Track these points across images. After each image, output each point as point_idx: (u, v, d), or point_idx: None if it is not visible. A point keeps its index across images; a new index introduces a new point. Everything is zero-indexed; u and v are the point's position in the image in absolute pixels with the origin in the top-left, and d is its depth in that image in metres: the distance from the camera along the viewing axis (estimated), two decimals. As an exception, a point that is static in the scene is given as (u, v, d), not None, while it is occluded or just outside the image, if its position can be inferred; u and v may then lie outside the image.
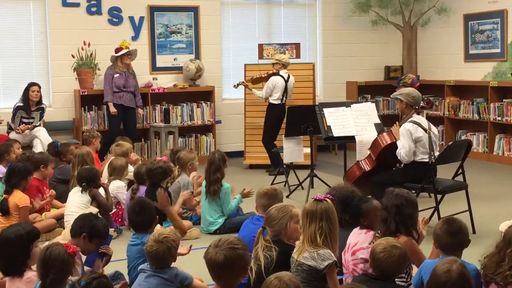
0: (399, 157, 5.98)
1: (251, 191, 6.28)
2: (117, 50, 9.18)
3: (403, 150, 5.91)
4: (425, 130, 5.95)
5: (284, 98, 8.95)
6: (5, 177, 6.09)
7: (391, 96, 7.32)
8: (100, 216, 4.71)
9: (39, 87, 8.77)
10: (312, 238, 3.62)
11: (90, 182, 6.02)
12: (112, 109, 9.08)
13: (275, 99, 8.90)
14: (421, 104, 6.24)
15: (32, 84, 8.71)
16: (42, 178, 6.45)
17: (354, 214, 4.17)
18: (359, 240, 3.97)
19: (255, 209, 4.85)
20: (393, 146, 6.07)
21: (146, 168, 6.18)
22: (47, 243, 4.20)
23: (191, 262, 4.29)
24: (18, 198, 5.83)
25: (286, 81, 8.91)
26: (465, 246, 3.66)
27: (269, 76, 8.92)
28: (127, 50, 9.17)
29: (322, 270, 3.56)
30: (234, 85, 9.33)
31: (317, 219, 3.63)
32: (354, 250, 3.94)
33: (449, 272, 3.01)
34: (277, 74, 8.90)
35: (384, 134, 6.29)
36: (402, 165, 6.26)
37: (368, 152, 6.40)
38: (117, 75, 9.12)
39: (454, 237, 3.61)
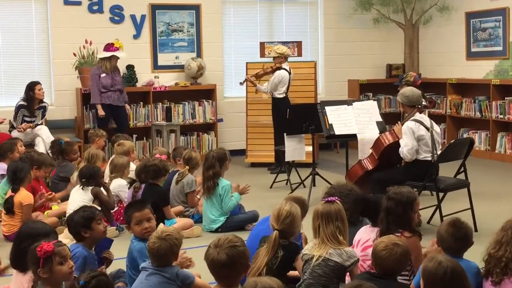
0: (401, 155, 5.98)
1: (247, 187, 6.29)
2: (112, 48, 9.12)
3: (406, 148, 5.90)
4: (427, 128, 5.95)
5: (287, 91, 8.95)
6: (10, 176, 6.10)
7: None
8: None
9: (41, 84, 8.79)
10: (334, 237, 3.71)
11: (89, 179, 6.02)
12: (101, 112, 9.00)
13: (280, 93, 8.88)
14: (423, 103, 6.23)
15: (36, 83, 8.70)
16: (34, 178, 6.44)
17: (375, 215, 4.19)
18: (371, 237, 4.00)
19: None
20: (396, 145, 6.06)
21: (142, 163, 6.19)
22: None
23: (193, 259, 4.28)
24: (22, 196, 5.86)
25: (290, 74, 8.91)
26: (467, 248, 3.66)
27: (273, 70, 8.90)
28: (120, 52, 9.11)
29: (348, 267, 3.68)
30: (240, 82, 9.26)
31: (333, 220, 3.74)
32: (365, 246, 3.98)
33: (441, 264, 3.02)
34: (280, 68, 8.88)
35: (387, 133, 6.27)
36: (403, 163, 6.27)
37: (371, 151, 6.40)
38: (104, 74, 9.02)
39: (458, 241, 3.60)
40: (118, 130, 8.95)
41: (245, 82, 9.17)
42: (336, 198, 3.87)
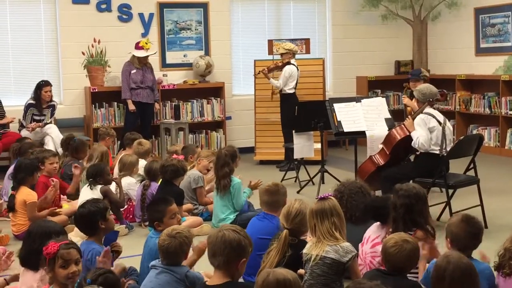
0: (416, 146, 5.93)
1: (259, 182, 6.29)
2: (138, 46, 9.22)
3: (422, 138, 5.89)
4: (439, 123, 5.94)
5: (296, 86, 8.94)
6: (12, 173, 6.14)
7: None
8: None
9: (51, 86, 8.82)
10: (330, 233, 3.68)
11: (96, 177, 6.03)
12: (131, 107, 9.13)
13: (290, 88, 8.86)
14: (435, 96, 6.20)
15: (45, 85, 8.73)
16: (46, 174, 6.46)
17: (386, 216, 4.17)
18: (381, 235, 3.98)
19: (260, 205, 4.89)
20: (406, 140, 6.06)
21: (160, 164, 6.22)
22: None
23: (201, 257, 4.28)
24: (25, 194, 5.86)
25: (297, 70, 8.91)
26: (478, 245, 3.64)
27: (283, 65, 8.89)
28: (147, 51, 9.24)
29: (346, 263, 3.64)
30: (254, 74, 9.29)
31: (328, 216, 3.70)
32: (374, 243, 3.95)
33: (448, 258, 3.03)
34: (289, 63, 8.88)
35: (397, 128, 6.29)
36: (413, 157, 6.27)
37: (381, 146, 6.40)
38: (134, 70, 9.17)
39: (474, 238, 3.57)
40: (142, 127, 9.16)
41: (259, 74, 9.06)
42: (330, 194, 3.85)
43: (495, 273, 3.49)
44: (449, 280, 2.99)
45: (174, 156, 6.54)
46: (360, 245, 4.05)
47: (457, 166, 6.20)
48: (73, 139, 7.32)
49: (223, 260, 3.20)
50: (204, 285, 3.33)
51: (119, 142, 8.98)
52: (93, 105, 9.43)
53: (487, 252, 3.60)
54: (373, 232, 4.09)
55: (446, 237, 3.65)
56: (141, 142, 7.39)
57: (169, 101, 9.90)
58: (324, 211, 3.70)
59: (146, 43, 9.32)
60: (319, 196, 3.81)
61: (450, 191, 5.91)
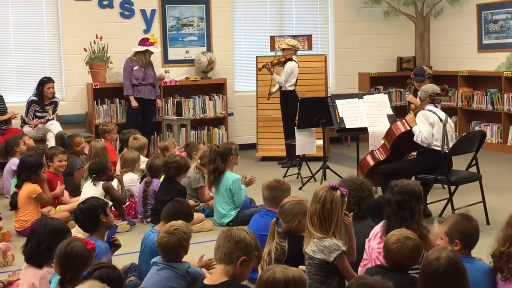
0: (419, 140, 5.91)
1: (253, 178, 6.29)
2: (147, 43, 9.21)
3: (424, 133, 5.88)
4: (440, 119, 5.93)
5: (296, 83, 8.91)
6: (17, 171, 6.16)
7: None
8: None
9: (53, 82, 8.83)
10: (310, 219, 3.64)
11: (99, 173, 6.05)
12: (134, 103, 9.13)
13: (290, 84, 8.82)
14: (436, 92, 6.19)
15: (47, 81, 8.74)
16: (52, 171, 6.48)
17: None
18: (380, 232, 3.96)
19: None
20: (407, 135, 6.06)
21: (163, 160, 6.23)
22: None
23: (204, 253, 4.29)
24: (30, 190, 5.87)
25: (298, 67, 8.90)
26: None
27: (286, 61, 8.84)
28: (154, 47, 9.24)
29: (333, 262, 3.61)
30: (259, 68, 9.20)
31: (315, 202, 3.64)
32: (382, 240, 3.92)
33: (438, 259, 3.00)
34: (291, 59, 8.84)
35: (398, 122, 6.30)
36: (415, 154, 6.27)
37: (382, 141, 6.40)
38: (137, 67, 9.16)
39: (478, 231, 3.58)
40: (144, 123, 9.20)
41: (263, 68, 8.93)
42: (343, 189, 3.70)
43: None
44: (440, 278, 2.97)
45: (177, 152, 6.56)
46: (367, 240, 4.02)
47: (459, 163, 6.20)
48: (62, 136, 7.34)
49: (224, 253, 3.24)
50: (203, 283, 3.33)
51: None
52: (95, 102, 9.43)
53: (489, 248, 3.58)
54: (381, 228, 4.06)
55: (450, 242, 3.55)
56: (135, 137, 7.41)
57: (171, 98, 9.90)
58: (315, 195, 3.66)
59: (154, 38, 9.37)
60: (330, 183, 3.72)
61: (452, 187, 5.91)
